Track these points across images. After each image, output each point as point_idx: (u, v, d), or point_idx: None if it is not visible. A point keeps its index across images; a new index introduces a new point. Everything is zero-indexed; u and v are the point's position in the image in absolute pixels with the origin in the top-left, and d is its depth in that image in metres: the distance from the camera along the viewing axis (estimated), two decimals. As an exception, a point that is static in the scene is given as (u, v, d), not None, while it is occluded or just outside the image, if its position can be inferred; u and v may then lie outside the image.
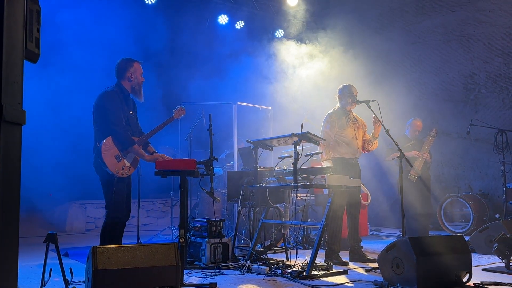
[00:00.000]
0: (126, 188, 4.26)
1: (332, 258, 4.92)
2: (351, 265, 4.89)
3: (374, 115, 5.09)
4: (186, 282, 3.80)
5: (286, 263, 4.79)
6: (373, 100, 4.98)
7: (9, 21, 1.49)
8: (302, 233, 6.37)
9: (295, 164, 4.35)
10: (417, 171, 6.60)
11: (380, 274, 3.86)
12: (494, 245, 4.34)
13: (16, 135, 1.47)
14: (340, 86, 5.43)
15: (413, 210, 6.67)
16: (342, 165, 5.14)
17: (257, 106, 8.26)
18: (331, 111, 5.38)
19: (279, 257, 5.25)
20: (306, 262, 4.26)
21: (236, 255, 5.30)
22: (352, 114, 5.43)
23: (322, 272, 4.20)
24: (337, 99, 5.41)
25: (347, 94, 5.30)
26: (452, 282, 3.62)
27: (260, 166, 5.10)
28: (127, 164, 4.22)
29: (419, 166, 6.69)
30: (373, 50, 10.26)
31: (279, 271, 4.29)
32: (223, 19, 9.81)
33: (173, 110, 4.60)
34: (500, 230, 4.79)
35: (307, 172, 4.47)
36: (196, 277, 4.18)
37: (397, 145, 4.92)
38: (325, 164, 5.12)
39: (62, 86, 7.86)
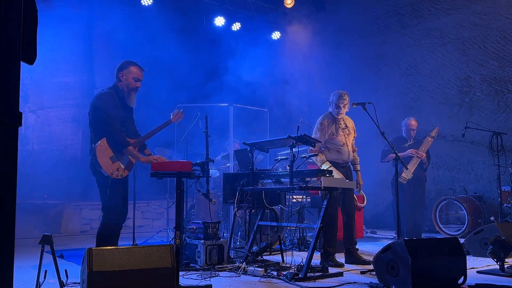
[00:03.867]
0: (122, 189, 4.25)
1: (328, 260, 4.93)
2: (346, 267, 4.89)
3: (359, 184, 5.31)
4: (181, 284, 3.79)
5: (282, 265, 4.80)
6: (369, 103, 5.00)
7: (5, 22, 1.49)
8: (298, 235, 6.37)
9: (291, 166, 4.36)
10: (408, 174, 6.60)
11: (376, 276, 3.87)
12: (489, 248, 4.35)
13: (12, 136, 1.47)
14: (334, 92, 5.39)
15: (407, 212, 6.70)
16: (334, 167, 5.15)
17: (253, 108, 8.26)
18: (323, 116, 5.37)
19: (274, 259, 5.25)
20: (301, 264, 4.26)
21: (232, 257, 5.29)
22: (343, 120, 5.41)
23: (318, 274, 4.20)
24: (328, 103, 5.41)
25: (334, 103, 5.29)
26: (447, 284, 3.64)
27: (256, 168, 5.11)
28: (122, 166, 4.21)
29: (412, 169, 6.70)
30: (368, 53, 10.30)
31: (274, 273, 4.29)
32: (219, 21, 9.81)
33: (171, 114, 4.58)
34: (495, 233, 4.81)
35: (303, 174, 4.48)
36: (191, 279, 4.17)
37: (392, 147, 4.93)
38: (324, 166, 5.11)
39: (57, 86, 7.85)
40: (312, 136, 5.27)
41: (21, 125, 1.51)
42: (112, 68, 4.47)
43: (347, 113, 5.45)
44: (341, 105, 5.24)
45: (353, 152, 5.43)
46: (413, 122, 7.06)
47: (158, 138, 5.29)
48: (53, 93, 8.39)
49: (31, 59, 1.65)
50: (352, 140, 5.45)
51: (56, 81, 8.41)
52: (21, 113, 1.51)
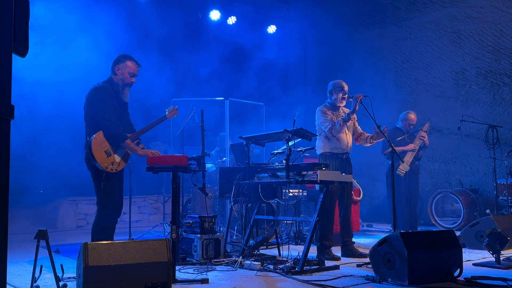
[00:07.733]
0: (117, 184, 4.23)
1: (324, 253, 4.94)
2: (343, 260, 4.90)
3: (382, 132, 5.10)
4: (178, 278, 3.79)
5: (278, 258, 4.81)
6: (365, 96, 5.00)
7: (-3, 15, 1.47)
8: (294, 228, 6.38)
9: (287, 159, 4.35)
10: (405, 166, 6.64)
11: (372, 269, 3.88)
12: (485, 240, 4.37)
13: (5, 130, 1.45)
14: (331, 81, 5.43)
15: (403, 205, 6.72)
16: (333, 160, 5.16)
17: (249, 101, 8.25)
18: (322, 107, 5.38)
19: (271, 253, 5.26)
20: (298, 257, 4.27)
21: (228, 251, 5.30)
22: (342, 109, 5.42)
23: (314, 267, 4.21)
24: (328, 94, 5.41)
25: (338, 89, 5.30)
26: (443, 277, 3.65)
27: (252, 162, 5.10)
28: (117, 160, 4.18)
29: (409, 161, 6.73)
30: (364, 46, 10.29)
31: (271, 266, 4.29)
32: (215, 14, 9.76)
33: (166, 110, 4.55)
34: (491, 225, 4.83)
35: (299, 167, 4.47)
36: (188, 273, 4.17)
37: (389, 141, 4.93)
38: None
39: (55, 82, 7.79)
40: (319, 122, 5.26)
41: (13, 118, 1.49)
42: (107, 62, 4.43)
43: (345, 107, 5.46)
44: (345, 88, 5.27)
45: (360, 136, 5.42)
46: (413, 117, 7.07)
47: (153, 133, 5.27)
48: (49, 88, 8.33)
49: (23, 52, 1.63)
50: (353, 128, 5.45)
51: (52, 75, 8.35)
52: (13, 106, 1.49)
